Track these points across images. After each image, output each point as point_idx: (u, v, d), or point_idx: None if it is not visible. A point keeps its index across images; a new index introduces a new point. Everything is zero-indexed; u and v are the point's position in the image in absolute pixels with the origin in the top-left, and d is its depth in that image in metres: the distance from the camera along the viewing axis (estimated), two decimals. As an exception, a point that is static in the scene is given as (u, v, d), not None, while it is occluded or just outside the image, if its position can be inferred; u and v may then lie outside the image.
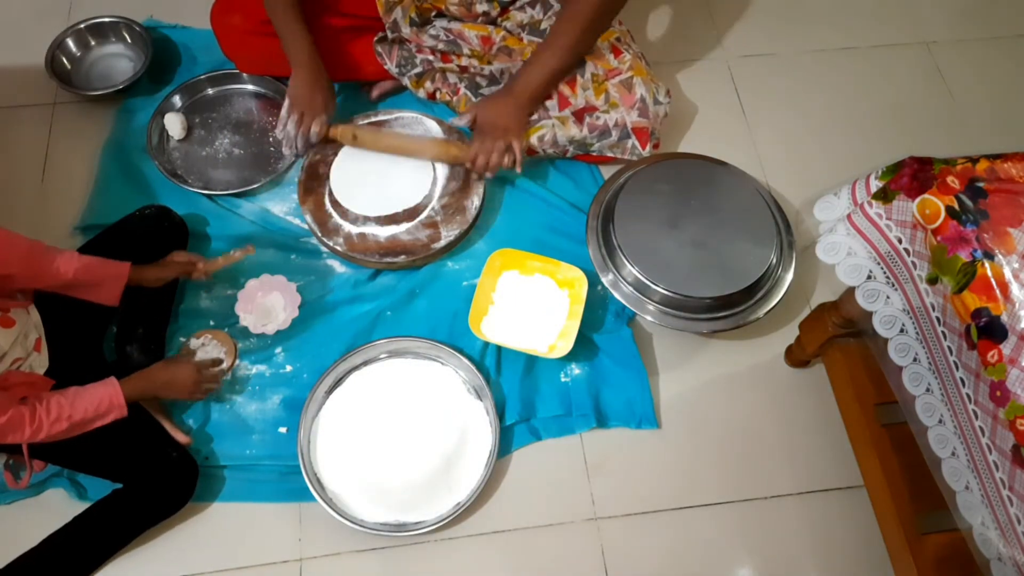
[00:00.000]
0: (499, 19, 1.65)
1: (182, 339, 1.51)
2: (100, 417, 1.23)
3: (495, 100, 1.56)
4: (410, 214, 1.58)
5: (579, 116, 1.61)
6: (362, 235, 1.58)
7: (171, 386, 1.36)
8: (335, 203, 1.58)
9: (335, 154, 1.63)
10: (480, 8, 1.59)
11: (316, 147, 1.63)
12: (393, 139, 1.62)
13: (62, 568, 1.30)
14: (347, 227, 1.59)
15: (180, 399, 1.42)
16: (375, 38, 1.70)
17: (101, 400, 1.22)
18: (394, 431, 1.43)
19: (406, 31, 1.64)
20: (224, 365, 1.47)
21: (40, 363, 1.27)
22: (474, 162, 1.55)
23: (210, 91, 1.82)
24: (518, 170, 1.57)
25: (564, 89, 1.60)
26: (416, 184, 1.60)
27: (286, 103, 1.56)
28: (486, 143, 1.53)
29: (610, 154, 1.67)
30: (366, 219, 1.57)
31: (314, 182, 1.63)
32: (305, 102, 1.55)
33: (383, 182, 1.60)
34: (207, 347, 1.48)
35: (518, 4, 1.64)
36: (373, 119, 1.71)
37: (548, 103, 1.61)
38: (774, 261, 1.48)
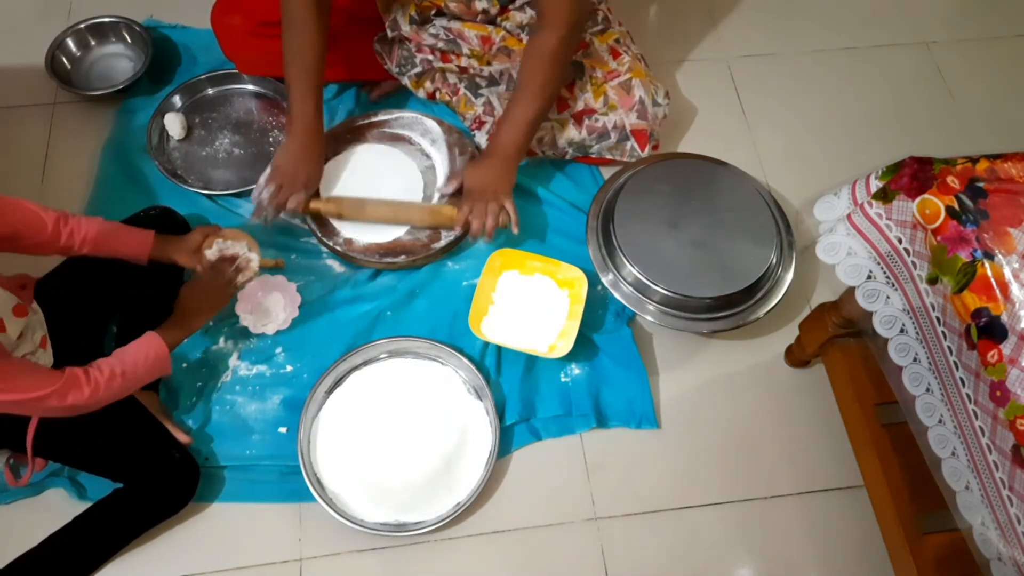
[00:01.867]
0: (499, 19, 1.65)
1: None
2: (150, 370, 1.25)
3: (480, 164, 1.53)
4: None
5: (578, 119, 1.61)
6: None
7: (204, 310, 1.37)
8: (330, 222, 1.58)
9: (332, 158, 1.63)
10: (479, 6, 1.59)
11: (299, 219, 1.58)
12: (380, 208, 1.57)
13: (63, 568, 1.30)
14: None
15: (221, 310, 1.42)
16: (375, 38, 1.70)
17: (148, 354, 1.24)
18: (394, 431, 1.43)
19: (406, 29, 1.64)
20: (252, 257, 1.43)
21: (46, 360, 1.27)
22: (467, 228, 1.51)
23: (210, 91, 1.82)
24: (515, 230, 1.51)
25: (563, 92, 1.60)
26: (408, 196, 1.61)
27: (267, 170, 1.50)
28: (478, 206, 1.49)
29: (609, 156, 1.67)
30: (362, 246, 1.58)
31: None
32: (287, 176, 1.49)
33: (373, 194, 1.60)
34: (222, 247, 1.43)
35: (517, 4, 1.64)
36: (373, 119, 1.71)
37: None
38: (774, 261, 1.48)
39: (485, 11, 1.60)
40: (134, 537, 1.34)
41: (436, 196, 1.62)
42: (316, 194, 1.57)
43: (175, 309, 1.36)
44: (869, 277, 1.13)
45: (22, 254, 1.26)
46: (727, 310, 1.46)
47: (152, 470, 1.31)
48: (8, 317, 1.19)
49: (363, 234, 1.58)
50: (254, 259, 1.45)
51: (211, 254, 1.42)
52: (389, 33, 1.68)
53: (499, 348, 1.51)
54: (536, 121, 1.49)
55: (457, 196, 1.56)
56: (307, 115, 1.48)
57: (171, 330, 1.31)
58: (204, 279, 1.40)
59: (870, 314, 1.15)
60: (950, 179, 0.99)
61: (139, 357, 1.23)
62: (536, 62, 1.44)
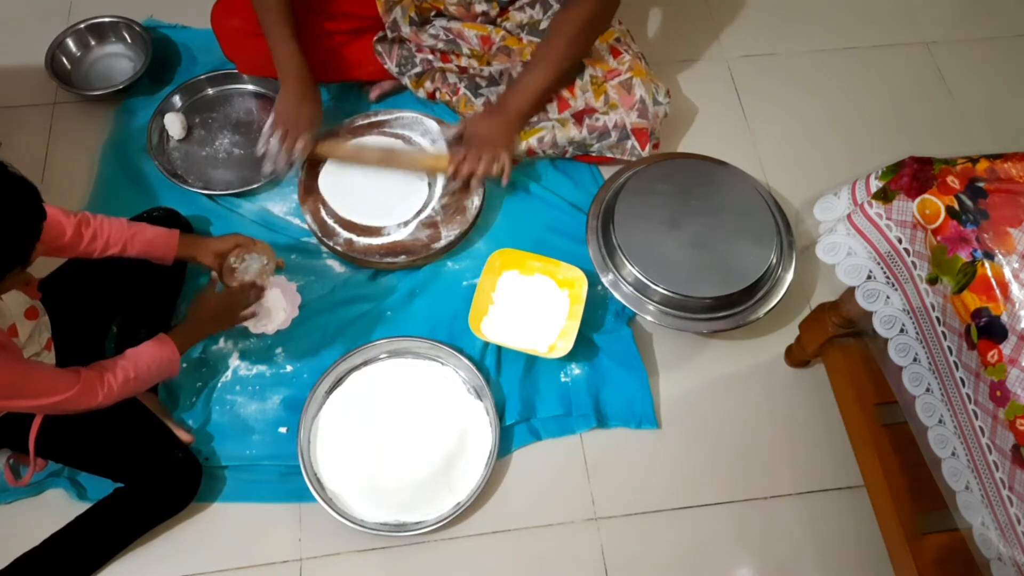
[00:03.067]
0: (498, 19, 1.65)
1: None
2: (162, 372, 1.26)
3: (485, 115, 1.56)
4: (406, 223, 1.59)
5: (578, 118, 1.61)
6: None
7: (219, 324, 1.38)
8: (332, 214, 1.59)
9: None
10: (479, 8, 1.59)
11: (299, 164, 1.60)
12: (378, 153, 1.61)
13: (64, 568, 1.30)
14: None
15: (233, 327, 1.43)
16: (375, 38, 1.70)
17: (161, 358, 1.24)
18: (394, 431, 1.43)
19: (406, 31, 1.64)
20: (268, 266, 1.45)
21: (50, 362, 1.27)
22: (458, 169, 1.54)
23: (210, 91, 1.82)
24: (504, 181, 1.56)
25: (563, 92, 1.60)
26: (410, 196, 1.61)
27: (270, 118, 1.54)
28: (472, 152, 1.53)
29: (610, 155, 1.67)
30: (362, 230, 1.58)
31: (314, 182, 1.63)
32: (290, 119, 1.53)
33: (376, 194, 1.60)
34: (247, 263, 1.44)
35: (517, 4, 1.64)
36: (373, 119, 1.71)
37: (548, 106, 1.61)
38: (774, 261, 1.48)
39: (485, 13, 1.60)
40: (136, 537, 1.34)
41: (430, 205, 1.62)
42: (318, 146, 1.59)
43: (190, 314, 1.36)
44: (869, 277, 1.13)
45: (44, 256, 1.24)
46: (727, 310, 1.46)
47: (154, 470, 1.31)
48: (20, 320, 1.18)
49: (363, 236, 1.58)
50: (269, 267, 1.46)
51: (235, 263, 1.42)
52: (389, 34, 1.68)
53: (499, 348, 1.51)
54: (547, 90, 1.53)
55: (458, 143, 1.58)
56: (292, 57, 1.51)
57: (186, 335, 1.31)
58: (228, 294, 1.39)
59: (870, 314, 1.15)
60: (950, 179, 0.99)
61: (152, 361, 1.23)
62: (561, 32, 1.48)
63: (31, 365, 1.13)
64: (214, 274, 1.42)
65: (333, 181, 1.62)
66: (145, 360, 1.23)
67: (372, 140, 1.66)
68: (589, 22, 1.47)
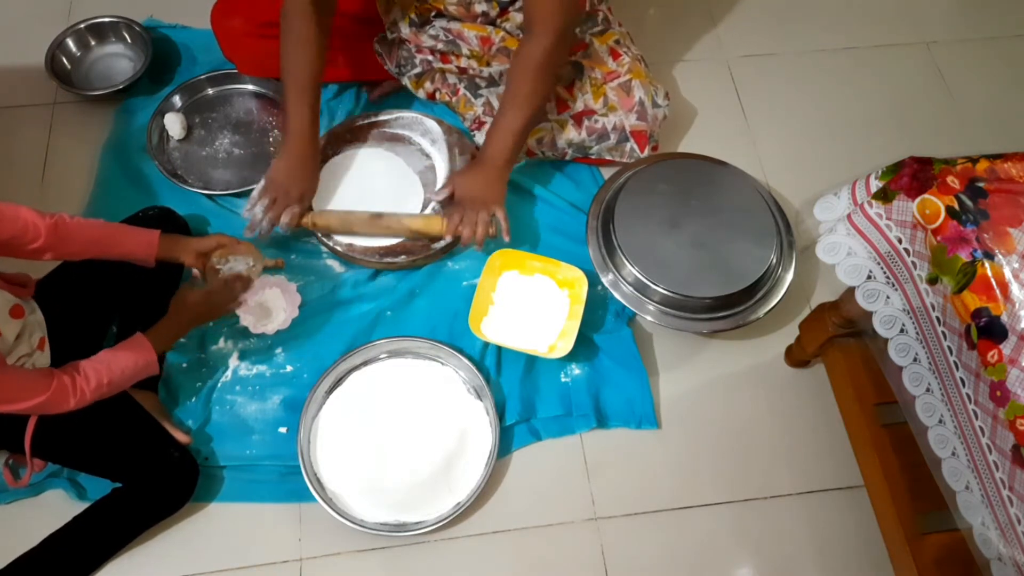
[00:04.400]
0: (498, 20, 1.65)
1: (182, 339, 1.50)
2: (137, 375, 1.25)
3: (470, 172, 1.53)
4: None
5: (577, 120, 1.61)
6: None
7: (201, 319, 1.38)
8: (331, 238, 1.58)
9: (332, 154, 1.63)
10: (479, 8, 1.59)
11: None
12: (370, 223, 1.55)
13: (62, 568, 1.30)
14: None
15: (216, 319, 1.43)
16: (375, 38, 1.70)
17: (137, 360, 1.24)
18: (394, 431, 1.43)
19: (405, 31, 1.64)
20: (254, 267, 1.44)
21: (43, 362, 1.27)
22: (459, 236, 1.50)
23: (210, 91, 1.82)
24: (506, 238, 1.50)
25: (562, 93, 1.61)
26: (408, 198, 1.61)
27: (261, 183, 1.49)
28: (469, 215, 1.48)
29: (609, 157, 1.67)
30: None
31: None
32: (281, 191, 1.48)
33: (373, 195, 1.60)
34: (231, 264, 1.43)
35: (517, 5, 1.64)
36: (373, 119, 1.71)
37: (547, 107, 1.61)
38: (774, 261, 1.48)
39: (485, 13, 1.60)
40: (134, 536, 1.34)
41: (431, 205, 1.60)
42: (310, 208, 1.55)
43: (171, 309, 1.35)
44: (869, 277, 1.13)
45: (21, 259, 1.24)
46: (727, 310, 1.46)
47: (151, 469, 1.31)
48: (4, 319, 1.18)
49: (362, 238, 1.58)
50: (256, 268, 1.46)
51: (219, 263, 1.42)
52: (389, 35, 1.68)
53: (499, 348, 1.51)
54: (525, 130, 1.49)
55: (450, 202, 1.55)
56: (303, 129, 1.48)
57: (163, 333, 1.31)
58: (212, 290, 1.39)
59: (870, 314, 1.15)
60: (950, 179, 0.99)
61: (127, 364, 1.23)
62: (523, 71, 1.43)
63: (2, 369, 1.12)
64: (195, 271, 1.41)
65: (330, 189, 1.61)
66: (120, 363, 1.22)
67: (359, 211, 1.58)
68: (546, 58, 1.41)
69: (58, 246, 1.25)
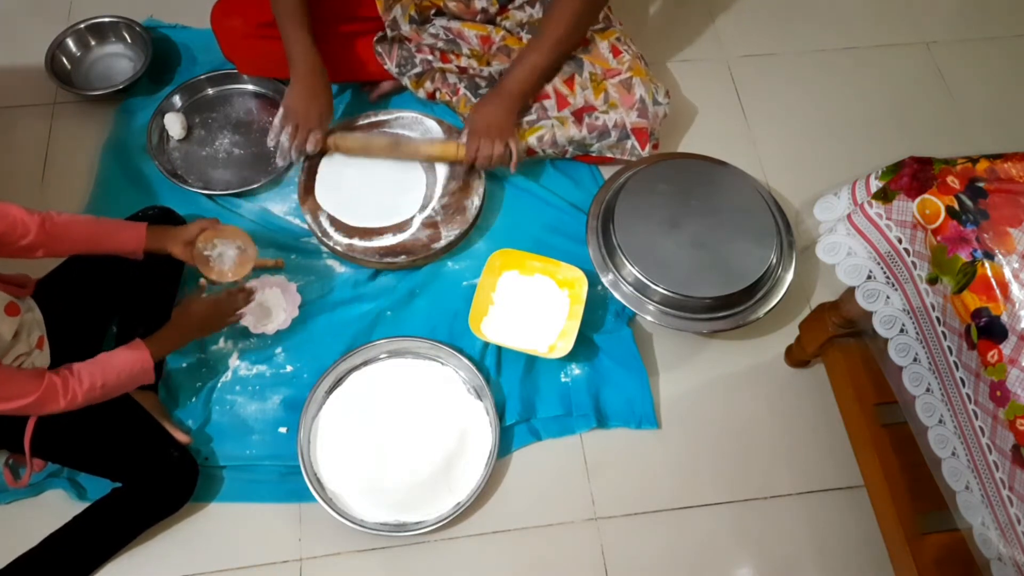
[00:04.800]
0: (498, 18, 1.65)
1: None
2: (133, 381, 1.25)
3: (487, 101, 1.57)
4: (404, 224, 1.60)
5: (578, 116, 1.61)
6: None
7: (202, 330, 1.38)
8: (333, 220, 1.59)
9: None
10: (479, 5, 1.59)
11: (310, 156, 1.62)
12: (386, 143, 1.62)
13: (62, 568, 1.30)
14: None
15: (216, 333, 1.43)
16: (375, 38, 1.70)
17: (133, 366, 1.23)
18: (394, 431, 1.43)
19: (405, 29, 1.64)
20: (246, 251, 1.42)
21: (42, 360, 1.27)
22: (475, 160, 1.56)
23: (210, 91, 1.82)
24: (512, 169, 1.58)
25: (562, 89, 1.61)
26: (408, 195, 1.62)
27: (280, 112, 1.55)
28: (485, 144, 1.55)
29: (609, 155, 1.67)
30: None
31: (314, 182, 1.63)
32: (300, 115, 1.54)
33: (373, 194, 1.61)
34: (219, 249, 1.41)
35: (517, 3, 1.64)
36: (373, 119, 1.71)
37: (547, 103, 1.61)
38: (774, 261, 1.48)
39: (484, 10, 1.60)
40: (133, 536, 1.34)
41: (431, 205, 1.62)
42: (331, 132, 1.60)
43: (173, 317, 1.35)
44: (869, 277, 1.13)
45: (10, 258, 1.24)
46: (727, 310, 1.46)
47: (150, 469, 1.31)
48: (0, 317, 1.18)
49: (363, 237, 1.58)
50: (251, 253, 1.43)
51: (207, 250, 1.40)
52: (389, 33, 1.68)
53: (499, 348, 1.51)
54: (547, 71, 1.57)
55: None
56: (306, 53, 1.51)
57: (163, 342, 1.30)
58: (214, 302, 1.38)
59: (870, 314, 1.15)
60: (950, 179, 0.99)
61: (123, 369, 1.22)
62: (560, 15, 1.50)
63: None
64: (203, 280, 1.40)
65: (330, 186, 1.62)
66: (116, 369, 1.22)
67: (380, 135, 1.66)
68: (585, 5, 1.49)
69: (49, 243, 1.25)
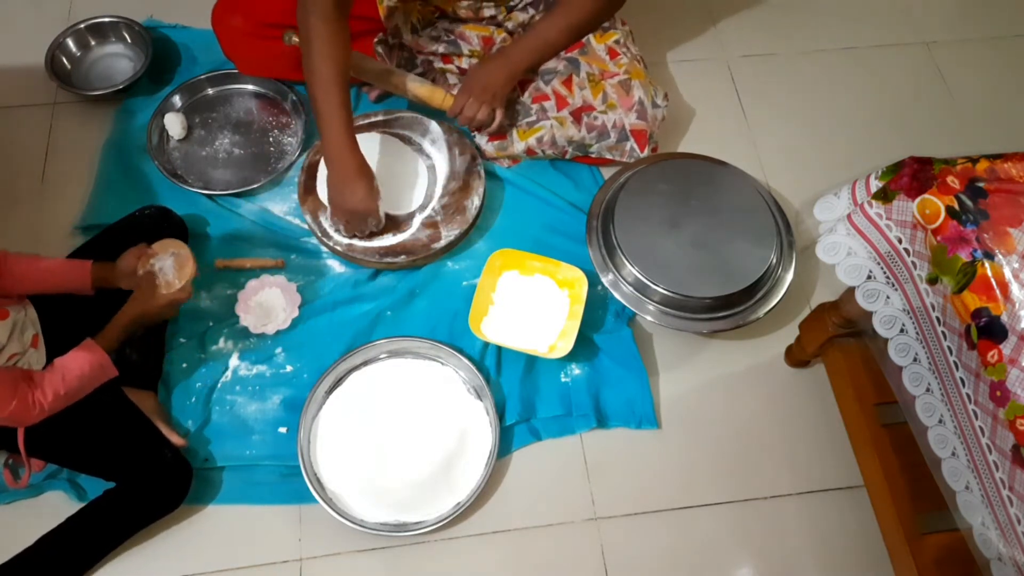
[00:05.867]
0: (504, 21, 1.65)
1: (182, 340, 1.51)
2: (95, 379, 1.25)
3: (489, 62, 1.57)
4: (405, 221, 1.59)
5: (577, 116, 1.61)
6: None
7: (142, 314, 1.34)
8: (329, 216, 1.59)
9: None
10: (487, 12, 1.59)
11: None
12: (382, 75, 1.61)
13: (57, 568, 1.30)
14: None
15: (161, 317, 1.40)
16: (376, 39, 1.70)
17: (91, 367, 1.24)
18: (394, 431, 1.43)
19: (407, 38, 1.64)
20: (183, 254, 1.38)
21: (37, 359, 1.27)
22: (459, 113, 1.57)
23: (210, 91, 1.82)
24: (489, 130, 1.59)
25: (561, 90, 1.61)
26: (408, 195, 1.61)
27: (328, 211, 1.52)
28: (473, 102, 1.55)
29: (609, 156, 1.67)
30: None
31: (314, 182, 1.63)
32: (346, 215, 1.48)
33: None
34: (158, 265, 1.37)
35: (520, 5, 1.64)
36: (373, 119, 1.71)
37: (546, 104, 1.62)
38: (774, 261, 1.48)
39: (493, 17, 1.60)
40: (127, 537, 1.33)
41: (430, 206, 1.62)
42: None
43: (119, 319, 1.33)
44: (869, 277, 1.13)
45: None
46: (727, 310, 1.46)
47: (143, 469, 1.31)
48: None
49: (363, 240, 1.58)
50: (182, 254, 1.39)
51: (153, 266, 1.38)
52: (390, 40, 1.67)
53: (499, 348, 1.51)
54: (555, 47, 1.57)
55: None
56: (343, 134, 1.39)
57: (112, 336, 1.30)
58: (138, 287, 1.36)
59: (870, 314, 1.15)
60: (950, 179, 0.99)
61: (82, 371, 1.22)
62: (576, 5, 1.50)
63: None
64: (153, 267, 1.37)
65: (326, 188, 1.61)
66: (74, 372, 1.22)
67: (376, 63, 1.63)
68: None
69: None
